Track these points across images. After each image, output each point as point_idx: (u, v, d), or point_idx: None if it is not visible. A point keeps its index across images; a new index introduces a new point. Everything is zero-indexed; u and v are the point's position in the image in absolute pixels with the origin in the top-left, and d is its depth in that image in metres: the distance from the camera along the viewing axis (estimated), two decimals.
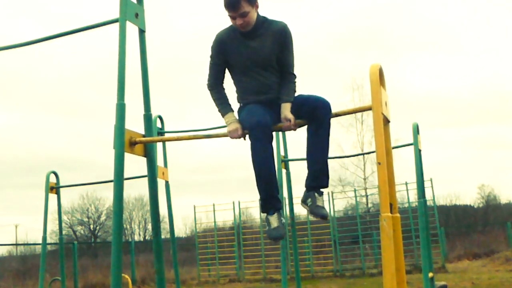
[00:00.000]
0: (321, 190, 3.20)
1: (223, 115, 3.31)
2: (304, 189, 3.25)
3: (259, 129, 3.00)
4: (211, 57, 3.32)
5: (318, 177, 3.18)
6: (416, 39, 38.83)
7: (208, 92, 3.39)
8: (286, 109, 3.19)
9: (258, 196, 3.23)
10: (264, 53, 3.22)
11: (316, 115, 3.11)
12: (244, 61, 3.24)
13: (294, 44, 3.31)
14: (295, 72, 3.36)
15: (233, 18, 3.14)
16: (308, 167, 3.21)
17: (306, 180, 3.23)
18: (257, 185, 3.11)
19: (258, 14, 3.21)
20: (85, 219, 36.54)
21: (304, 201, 3.24)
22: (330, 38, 39.74)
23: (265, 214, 3.18)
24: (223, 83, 3.40)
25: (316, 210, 3.13)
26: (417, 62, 39.79)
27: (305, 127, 3.24)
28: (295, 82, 3.34)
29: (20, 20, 39.19)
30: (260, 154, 3.02)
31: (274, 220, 3.11)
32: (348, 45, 39.50)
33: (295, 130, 3.23)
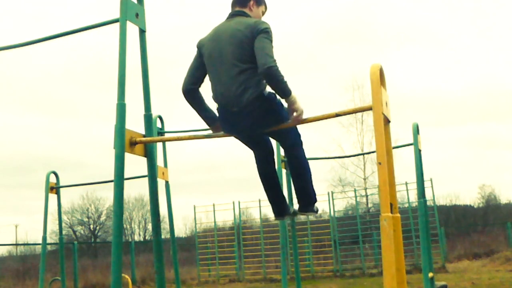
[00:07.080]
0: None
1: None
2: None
3: None
4: None
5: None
6: (416, 38, 38.85)
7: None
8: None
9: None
10: None
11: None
12: None
13: None
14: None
15: None
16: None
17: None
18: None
19: None
20: (85, 219, 36.54)
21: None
22: (330, 37, 39.74)
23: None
24: None
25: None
26: (416, 61, 39.81)
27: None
28: None
29: None
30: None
31: None
32: (349, 44, 39.50)
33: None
